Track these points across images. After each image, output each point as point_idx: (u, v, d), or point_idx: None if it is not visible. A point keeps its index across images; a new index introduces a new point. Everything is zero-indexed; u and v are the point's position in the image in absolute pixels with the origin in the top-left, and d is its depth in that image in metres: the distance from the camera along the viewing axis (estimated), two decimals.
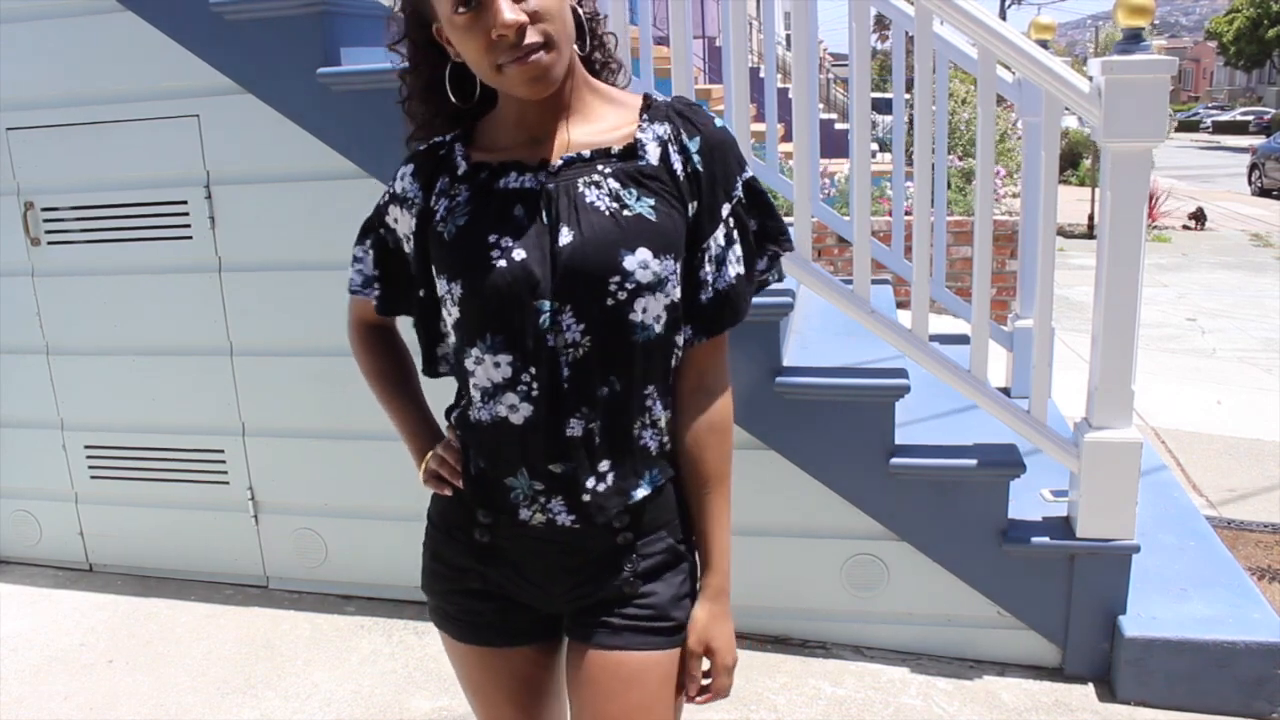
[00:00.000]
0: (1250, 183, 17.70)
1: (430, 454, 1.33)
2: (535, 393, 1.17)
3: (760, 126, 3.74)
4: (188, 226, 2.99)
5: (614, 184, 1.17)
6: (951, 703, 2.51)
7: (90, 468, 3.31)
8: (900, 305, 3.55)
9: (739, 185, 1.23)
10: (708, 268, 1.21)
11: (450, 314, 1.21)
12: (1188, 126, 42.74)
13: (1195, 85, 72.32)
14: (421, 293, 1.27)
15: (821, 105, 8.76)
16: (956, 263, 5.71)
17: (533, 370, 1.17)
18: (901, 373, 2.56)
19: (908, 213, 3.41)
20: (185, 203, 2.98)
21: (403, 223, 1.26)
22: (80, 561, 3.42)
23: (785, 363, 2.60)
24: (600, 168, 1.18)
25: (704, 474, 1.27)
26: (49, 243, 3.14)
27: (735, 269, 1.22)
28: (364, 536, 3.10)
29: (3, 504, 3.45)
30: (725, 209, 1.21)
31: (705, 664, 1.28)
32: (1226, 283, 8.94)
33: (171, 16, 2.79)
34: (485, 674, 1.34)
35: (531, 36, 1.08)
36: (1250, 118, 41.83)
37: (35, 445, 3.34)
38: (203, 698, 2.66)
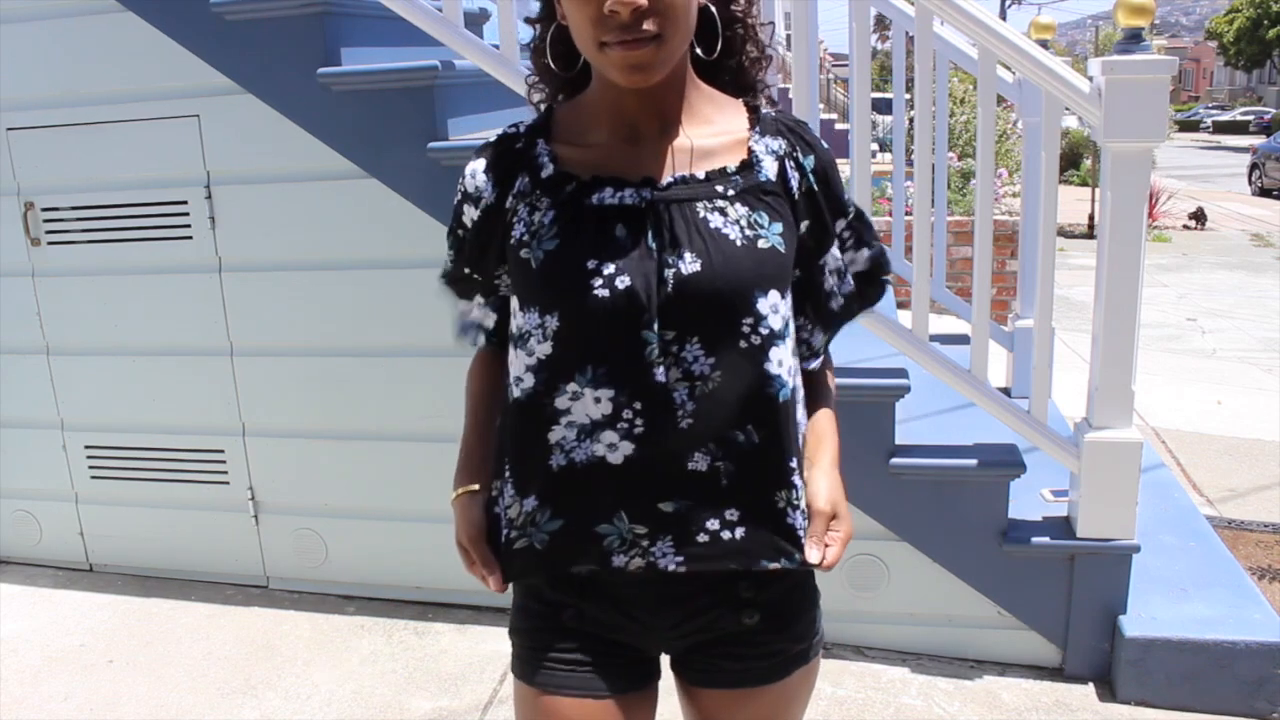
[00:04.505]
0: (1250, 183, 17.69)
1: (463, 520, 1.23)
2: (639, 429, 1.08)
3: None
4: (188, 227, 2.99)
5: (742, 208, 1.10)
6: (952, 703, 2.51)
7: (90, 468, 3.31)
8: (900, 305, 3.55)
9: (850, 205, 1.23)
10: (830, 280, 1.21)
11: (537, 349, 1.11)
12: (1188, 126, 42.73)
13: (1195, 85, 72.32)
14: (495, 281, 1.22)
15: (822, 105, 8.74)
16: (957, 263, 5.71)
17: (637, 406, 1.08)
18: (901, 373, 2.56)
19: (908, 213, 3.40)
20: (185, 203, 2.98)
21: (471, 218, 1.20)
22: (80, 561, 3.42)
23: None
24: (720, 189, 1.10)
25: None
26: (49, 243, 3.14)
27: (853, 270, 1.25)
28: (364, 536, 3.09)
29: (3, 504, 3.45)
30: (840, 224, 1.21)
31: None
32: (1227, 283, 8.94)
33: (171, 16, 2.78)
34: None
35: (646, 25, 1.01)
36: (1250, 118, 41.87)
37: (35, 445, 3.34)
38: (203, 698, 2.66)
